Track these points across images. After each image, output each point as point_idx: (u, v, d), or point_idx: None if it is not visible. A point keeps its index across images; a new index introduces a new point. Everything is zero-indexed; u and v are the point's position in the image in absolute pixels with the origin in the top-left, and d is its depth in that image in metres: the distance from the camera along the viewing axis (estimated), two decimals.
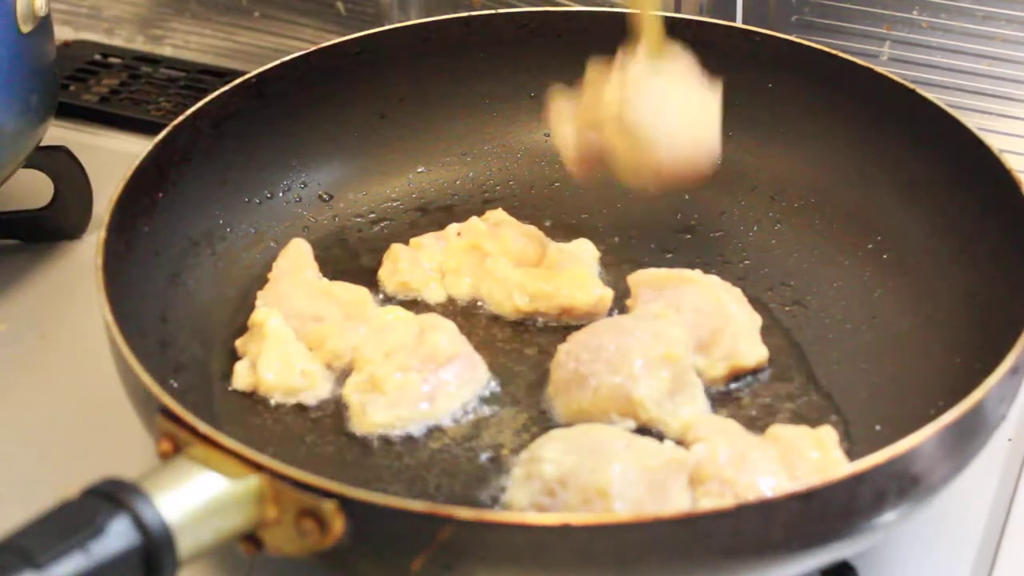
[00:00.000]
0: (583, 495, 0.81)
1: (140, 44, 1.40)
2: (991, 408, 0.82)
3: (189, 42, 1.39)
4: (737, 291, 0.97)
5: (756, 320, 0.96)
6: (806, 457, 0.85)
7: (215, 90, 1.03)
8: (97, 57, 1.37)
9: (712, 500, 0.83)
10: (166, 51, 1.39)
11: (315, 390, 0.93)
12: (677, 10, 1.20)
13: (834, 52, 1.06)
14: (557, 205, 1.08)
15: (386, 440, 0.90)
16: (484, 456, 0.89)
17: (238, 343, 0.96)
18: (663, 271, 0.98)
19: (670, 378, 0.90)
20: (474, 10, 1.15)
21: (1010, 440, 0.99)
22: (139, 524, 0.70)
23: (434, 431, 0.91)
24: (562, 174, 1.10)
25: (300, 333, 0.95)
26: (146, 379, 0.81)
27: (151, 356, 0.88)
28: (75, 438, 0.98)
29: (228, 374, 0.94)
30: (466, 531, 0.73)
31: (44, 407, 1.01)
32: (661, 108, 0.96)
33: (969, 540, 0.92)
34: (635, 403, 0.89)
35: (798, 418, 0.91)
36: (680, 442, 0.87)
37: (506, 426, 0.91)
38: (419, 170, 1.10)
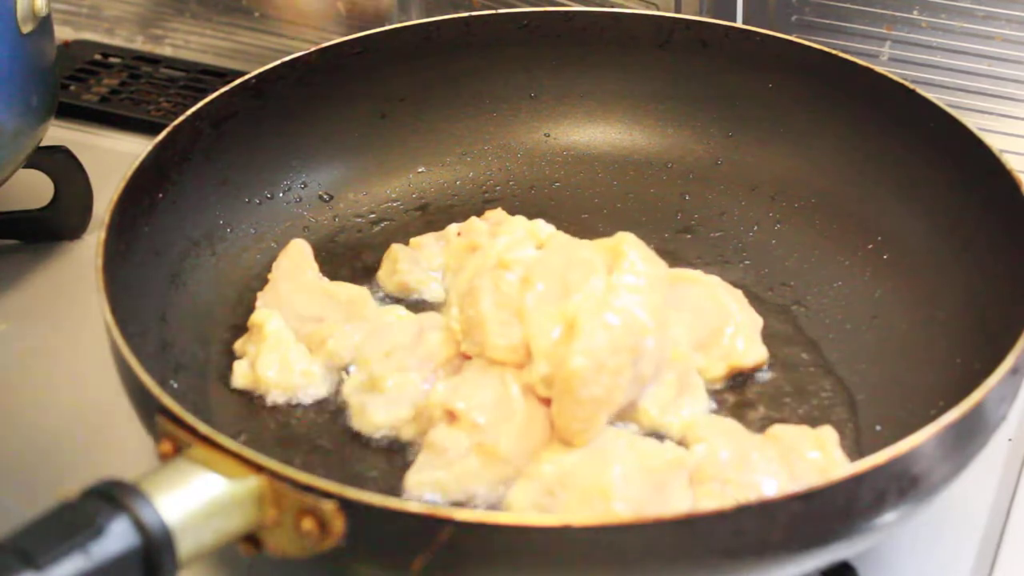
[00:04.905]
0: (583, 495, 0.81)
1: (140, 44, 1.40)
2: (991, 408, 0.82)
3: (189, 42, 1.39)
4: (737, 292, 0.97)
5: (757, 320, 0.96)
6: (806, 457, 0.85)
7: (215, 90, 1.03)
8: (97, 57, 1.37)
9: (712, 500, 0.83)
10: (166, 51, 1.39)
11: (315, 390, 0.93)
12: (677, 10, 1.20)
13: (834, 52, 1.05)
14: (557, 205, 1.08)
15: (386, 440, 0.90)
16: None
17: (237, 344, 0.95)
18: None
19: (672, 379, 0.90)
20: (474, 10, 1.15)
21: (1010, 440, 0.99)
22: (139, 525, 0.70)
23: None
24: (562, 174, 1.10)
25: (300, 333, 0.94)
26: (146, 380, 0.81)
27: (151, 356, 0.88)
28: (75, 438, 0.98)
29: (228, 375, 0.94)
30: (466, 532, 0.73)
31: (44, 407, 1.01)
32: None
33: (969, 540, 0.92)
34: (637, 406, 0.88)
35: (798, 418, 0.91)
36: (681, 442, 0.87)
37: None
38: (419, 170, 1.10)
